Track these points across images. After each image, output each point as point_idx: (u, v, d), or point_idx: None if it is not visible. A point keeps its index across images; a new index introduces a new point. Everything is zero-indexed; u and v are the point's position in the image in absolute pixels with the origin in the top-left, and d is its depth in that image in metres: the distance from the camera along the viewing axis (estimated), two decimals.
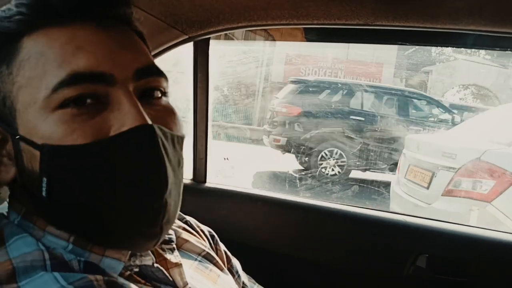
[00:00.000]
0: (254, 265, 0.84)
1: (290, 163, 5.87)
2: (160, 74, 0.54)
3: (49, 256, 0.47)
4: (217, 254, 0.73)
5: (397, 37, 1.14)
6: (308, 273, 1.29)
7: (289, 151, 5.88)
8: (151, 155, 0.47)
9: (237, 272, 0.77)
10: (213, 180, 1.44)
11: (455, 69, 10.36)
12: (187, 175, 1.41)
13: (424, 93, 7.35)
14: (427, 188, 3.37)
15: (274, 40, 1.27)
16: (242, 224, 1.35)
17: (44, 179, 0.47)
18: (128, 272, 0.53)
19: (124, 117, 0.47)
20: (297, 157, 5.84)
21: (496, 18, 0.88)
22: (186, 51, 1.27)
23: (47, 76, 0.46)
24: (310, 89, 6.16)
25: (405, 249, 1.22)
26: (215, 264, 0.68)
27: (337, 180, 5.49)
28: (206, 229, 0.76)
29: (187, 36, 1.13)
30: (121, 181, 0.47)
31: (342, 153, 5.61)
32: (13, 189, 0.55)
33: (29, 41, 0.48)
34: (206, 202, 1.40)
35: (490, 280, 1.17)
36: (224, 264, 0.73)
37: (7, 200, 0.58)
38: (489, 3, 0.85)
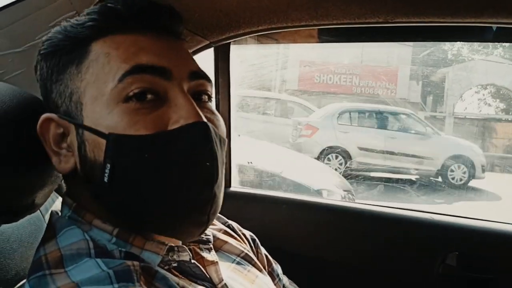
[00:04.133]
0: (282, 269, 0.84)
1: None
2: (209, 79, 0.59)
3: (93, 245, 0.51)
4: (257, 257, 0.75)
5: (416, 33, 1.13)
6: (337, 274, 1.28)
7: None
8: (206, 150, 0.51)
9: (278, 275, 0.79)
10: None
11: (472, 70, 10.21)
12: None
13: None
14: None
15: (278, 42, 1.27)
16: (268, 227, 1.34)
17: (108, 165, 0.50)
18: (167, 267, 0.55)
19: (181, 112, 0.51)
20: None
21: None
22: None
23: (113, 70, 0.52)
24: None
25: (435, 248, 1.21)
26: (254, 265, 0.70)
27: None
28: (247, 233, 0.80)
29: (208, 42, 1.15)
30: (177, 171, 0.51)
31: None
32: (68, 183, 0.59)
33: (97, 45, 0.54)
34: (231, 206, 1.38)
35: None
36: (265, 267, 0.75)
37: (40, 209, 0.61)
38: None
